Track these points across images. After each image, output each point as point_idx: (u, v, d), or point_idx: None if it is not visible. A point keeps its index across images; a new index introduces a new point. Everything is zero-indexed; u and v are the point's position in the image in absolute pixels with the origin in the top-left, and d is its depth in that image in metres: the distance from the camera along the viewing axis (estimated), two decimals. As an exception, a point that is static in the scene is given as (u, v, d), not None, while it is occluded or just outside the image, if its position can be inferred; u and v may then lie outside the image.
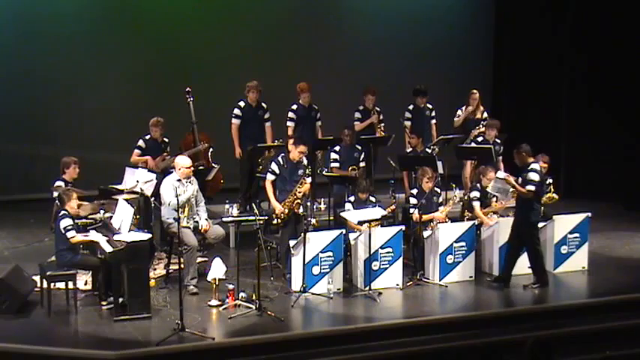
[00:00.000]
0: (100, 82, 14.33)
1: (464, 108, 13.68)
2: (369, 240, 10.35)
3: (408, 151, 12.77)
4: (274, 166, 10.84)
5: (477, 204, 11.16)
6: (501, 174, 10.69)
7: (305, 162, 10.84)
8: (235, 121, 12.54)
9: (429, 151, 12.75)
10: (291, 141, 11.01)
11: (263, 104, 12.65)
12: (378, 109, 13.14)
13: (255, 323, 9.44)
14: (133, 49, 14.51)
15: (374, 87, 13.25)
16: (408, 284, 10.64)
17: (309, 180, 10.82)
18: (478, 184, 11.30)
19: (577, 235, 11.23)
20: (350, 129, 12.41)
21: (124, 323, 9.30)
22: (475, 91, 13.70)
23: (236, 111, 12.54)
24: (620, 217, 13.62)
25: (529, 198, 10.27)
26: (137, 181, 10.94)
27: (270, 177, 10.87)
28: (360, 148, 12.26)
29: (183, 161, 10.51)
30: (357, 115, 13.11)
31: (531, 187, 10.24)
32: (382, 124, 13.09)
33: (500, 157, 12.69)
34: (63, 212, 9.65)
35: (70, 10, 14.29)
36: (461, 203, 11.76)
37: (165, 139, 11.90)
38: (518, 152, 10.50)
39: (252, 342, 9.09)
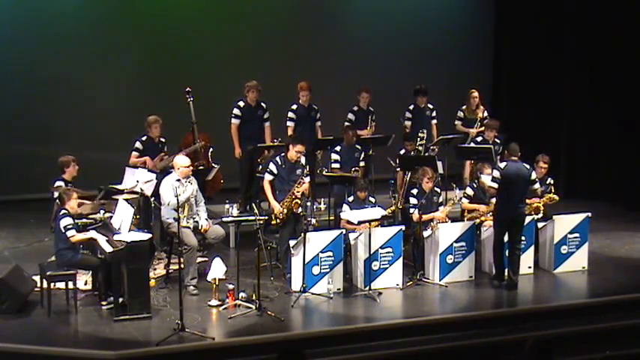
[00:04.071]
0: (100, 82, 14.32)
1: (464, 107, 13.71)
2: (369, 240, 10.35)
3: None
4: (272, 167, 10.84)
5: (465, 200, 11.34)
6: (485, 177, 11.03)
7: (303, 161, 10.84)
8: (235, 121, 12.53)
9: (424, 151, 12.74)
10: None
11: (262, 104, 12.64)
12: (372, 109, 13.10)
13: (255, 323, 9.45)
14: (133, 49, 14.51)
15: (367, 86, 13.23)
16: (408, 284, 10.65)
17: (307, 179, 10.82)
18: (474, 183, 11.41)
19: (577, 235, 11.23)
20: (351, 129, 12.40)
21: (124, 323, 9.30)
22: (474, 90, 13.73)
23: (235, 111, 12.53)
24: (620, 217, 13.61)
25: (492, 195, 10.72)
26: (137, 181, 10.95)
27: (268, 177, 10.87)
28: (360, 147, 12.24)
29: (181, 161, 10.51)
30: (350, 116, 13.06)
31: (492, 184, 10.59)
32: (374, 123, 13.05)
33: (499, 157, 12.70)
34: (63, 211, 9.65)
35: (69, 10, 14.28)
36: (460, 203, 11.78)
37: (162, 139, 11.87)
38: None
39: (252, 342, 9.10)
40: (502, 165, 10.62)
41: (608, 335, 9.72)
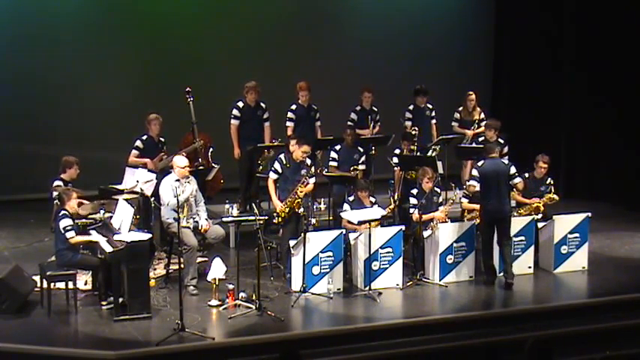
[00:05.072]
0: (100, 82, 14.33)
1: (460, 109, 13.73)
2: (369, 240, 10.35)
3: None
4: (277, 165, 10.84)
5: (465, 200, 11.43)
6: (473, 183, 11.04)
7: (308, 162, 10.84)
8: (234, 122, 12.53)
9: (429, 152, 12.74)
10: (293, 141, 10.99)
11: (262, 104, 12.64)
12: (376, 109, 13.12)
13: (255, 323, 9.45)
14: (133, 49, 14.52)
15: (369, 85, 13.24)
16: (408, 284, 10.64)
17: (312, 180, 10.78)
18: None
19: (577, 235, 11.23)
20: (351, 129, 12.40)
21: (124, 323, 9.30)
22: (472, 93, 13.74)
23: (235, 111, 12.54)
24: (620, 217, 13.61)
25: (473, 193, 10.92)
26: (137, 181, 10.95)
27: (272, 176, 10.87)
28: (361, 150, 12.21)
29: (179, 161, 10.52)
30: (353, 115, 13.07)
31: (472, 183, 10.81)
32: (379, 123, 13.06)
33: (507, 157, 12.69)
34: (63, 212, 9.65)
35: (69, 9, 14.29)
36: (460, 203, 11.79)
37: (162, 139, 11.88)
38: None
39: (252, 342, 9.10)
40: (480, 163, 10.73)
41: (608, 335, 9.71)
